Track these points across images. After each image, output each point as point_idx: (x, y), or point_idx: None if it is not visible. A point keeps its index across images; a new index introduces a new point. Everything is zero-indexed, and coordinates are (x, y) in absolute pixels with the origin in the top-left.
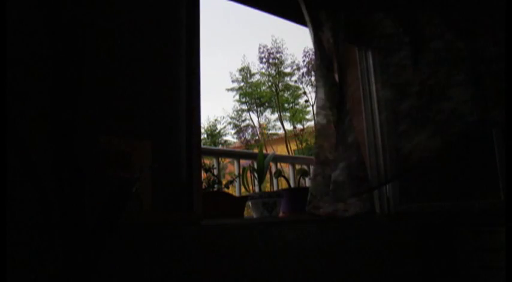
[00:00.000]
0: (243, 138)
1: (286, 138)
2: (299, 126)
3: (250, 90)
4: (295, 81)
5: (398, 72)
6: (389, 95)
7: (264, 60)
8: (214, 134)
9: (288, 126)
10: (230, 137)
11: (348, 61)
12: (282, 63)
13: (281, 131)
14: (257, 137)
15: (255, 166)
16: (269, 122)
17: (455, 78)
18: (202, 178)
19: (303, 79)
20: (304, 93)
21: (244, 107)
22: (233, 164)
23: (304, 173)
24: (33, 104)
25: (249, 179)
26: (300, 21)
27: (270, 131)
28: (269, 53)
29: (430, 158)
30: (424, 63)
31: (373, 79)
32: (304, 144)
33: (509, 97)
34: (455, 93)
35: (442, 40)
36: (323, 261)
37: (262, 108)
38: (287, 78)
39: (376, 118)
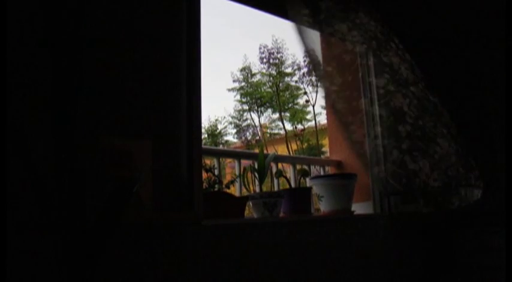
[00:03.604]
0: (243, 138)
1: (287, 138)
2: (300, 126)
3: (251, 90)
4: (296, 82)
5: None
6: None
7: (265, 60)
8: (215, 134)
9: (289, 126)
10: (231, 137)
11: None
12: (282, 63)
13: (282, 131)
14: (258, 137)
15: (256, 166)
16: (271, 122)
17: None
18: (203, 178)
19: (304, 79)
20: (305, 93)
21: (245, 107)
22: (232, 166)
23: (305, 173)
24: (34, 104)
25: (249, 179)
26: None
27: (271, 131)
28: (270, 53)
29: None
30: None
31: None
32: (305, 145)
33: (509, 97)
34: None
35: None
36: (323, 262)
37: (263, 108)
38: (288, 79)
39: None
